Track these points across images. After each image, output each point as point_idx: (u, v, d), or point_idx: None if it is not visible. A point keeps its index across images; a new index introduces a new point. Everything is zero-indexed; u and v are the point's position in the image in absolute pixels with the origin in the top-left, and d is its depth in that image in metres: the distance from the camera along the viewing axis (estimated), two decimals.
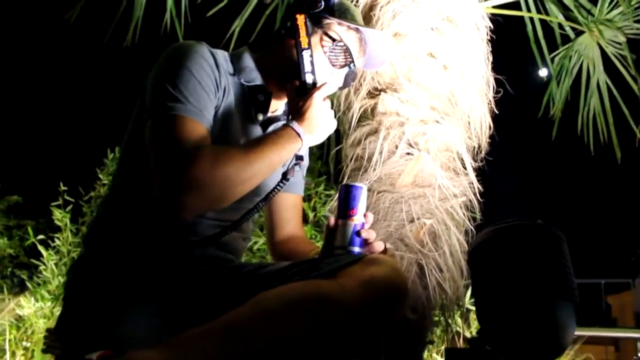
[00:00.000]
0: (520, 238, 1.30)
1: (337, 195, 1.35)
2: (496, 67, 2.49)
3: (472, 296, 1.39)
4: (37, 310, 3.84)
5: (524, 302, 1.26)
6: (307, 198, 3.85)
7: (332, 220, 1.29)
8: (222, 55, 1.36)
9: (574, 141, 3.77)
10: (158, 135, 1.17)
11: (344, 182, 2.22)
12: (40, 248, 4.06)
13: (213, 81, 1.26)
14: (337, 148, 2.36)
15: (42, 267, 4.08)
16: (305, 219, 3.75)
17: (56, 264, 4.01)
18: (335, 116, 2.30)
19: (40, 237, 4.14)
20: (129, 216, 1.24)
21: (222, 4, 3.43)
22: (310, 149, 3.84)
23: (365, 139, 2.27)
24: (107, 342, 1.11)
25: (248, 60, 1.41)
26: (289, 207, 1.61)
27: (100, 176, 4.46)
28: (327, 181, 3.81)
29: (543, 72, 3.75)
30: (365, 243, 1.27)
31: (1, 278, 4.49)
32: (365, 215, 1.29)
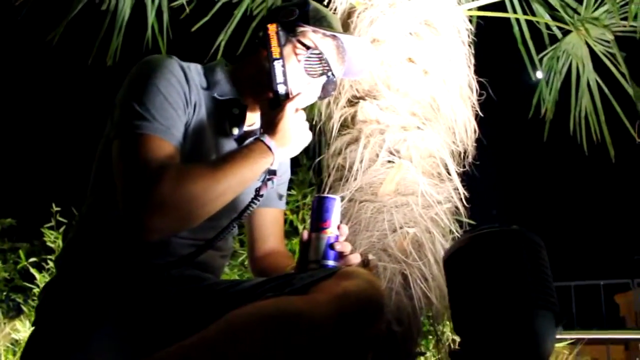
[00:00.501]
0: (496, 245, 1.26)
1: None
2: (484, 70, 2.47)
3: (449, 306, 1.34)
4: None
5: (501, 312, 1.21)
6: (295, 210, 3.82)
7: (305, 234, 1.26)
8: (195, 69, 1.33)
9: (566, 142, 3.73)
10: (123, 154, 1.14)
11: (326, 192, 2.20)
12: (34, 271, 4.03)
13: (182, 97, 1.22)
14: (320, 158, 2.33)
15: (36, 290, 4.05)
16: (295, 232, 3.71)
17: None
18: (316, 126, 2.34)
19: (33, 259, 4.11)
20: (99, 237, 1.22)
21: (206, 19, 3.42)
22: (299, 159, 3.83)
23: (346, 148, 2.24)
24: None
25: (221, 73, 1.38)
26: (269, 222, 1.57)
27: None
28: (318, 191, 3.77)
29: (539, 74, 3.71)
30: (340, 256, 1.24)
31: None
32: (339, 228, 1.25)
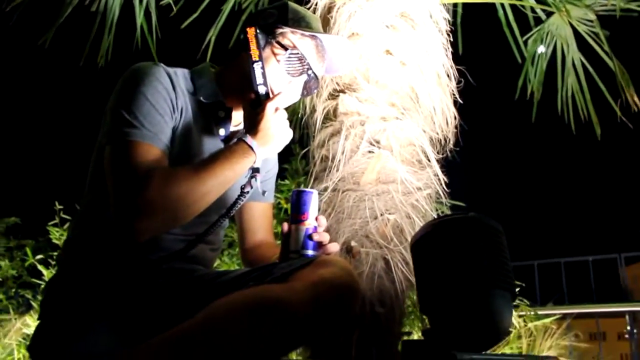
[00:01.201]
0: (456, 231, 1.35)
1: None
2: (470, 56, 2.48)
3: (416, 290, 1.44)
4: None
5: (462, 292, 1.30)
6: (289, 199, 3.87)
7: (285, 226, 1.34)
8: (182, 74, 1.40)
9: (554, 122, 3.78)
10: (114, 160, 1.21)
11: (311, 182, 2.29)
12: (41, 267, 4.14)
13: (169, 103, 1.28)
14: (305, 150, 2.41)
15: (44, 286, 4.16)
16: (285, 213, 3.77)
17: None
18: (301, 119, 2.41)
19: (39, 256, 4.22)
20: (95, 236, 1.29)
21: (195, 15, 3.47)
22: (292, 149, 3.88)
23: (329, 140, 2.30)
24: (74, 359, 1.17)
25: (207, 77, 1.43)
26: (257, 216, 1.65)
27: None
28: (304, 174, 3.82)
29: (541, 49, 3.75)
30: (319, 246, 1.32)
31: (6, 299, 4.59)
32: (317, 219, 1.33)
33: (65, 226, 4.37)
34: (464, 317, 1.31)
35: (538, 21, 3.67)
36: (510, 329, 3.45)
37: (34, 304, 4.28)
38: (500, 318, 1.31)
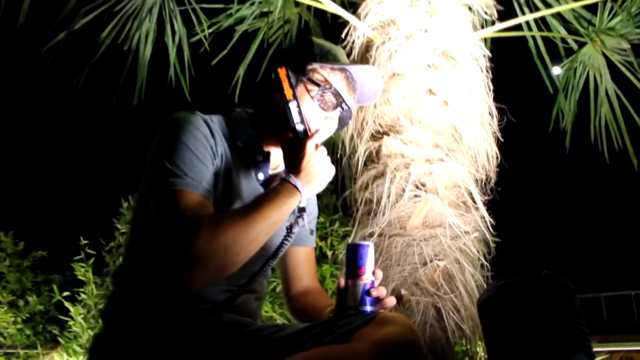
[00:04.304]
0: (530, 292, 1.29)
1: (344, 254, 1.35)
2: (500, 91, 2.47)
3: (487, 354, 1.38)
4: None
5: (538, 359, 1.24)
6: (324, 236, 3.87)
7: (341, 281, 1.30)
8: (217, 121, 1.39)
9: (588, 152, 3.72)
10: (160, 211, 1.20)
11: (355, 227, 2.24)
12: (67, 304, 4.12)
13: (209, 150, 1.28)
14: (347, 193, 2.39)
15: (71, 322, 4.14)
16: (324, 257, 3.74)
17: (84, 318, 4.07)
18: (341, 160, 2.38)
19: (66, 293, 4.20)
20: (142, 290, 1.27)
21: (224, 52, 3.49)
22: None
23: (372, 183, 2.29)
24: None
25: (242, 122, 1.43)
26: (301, 261, 1.61)
27: (118, 225, 4.56)
28: (344, 214, 3.80)
29: (556, 70, 3.71)
30: (377, 301, 1.28)
31: (34, 334, 4.57)
32: (374, 273, 1.29)
33: (91, 261, 4.36)
34: None
35: (569, 52, 3.64)
36: None
37: (61, 340, 4.25)
38: None
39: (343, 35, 2.59)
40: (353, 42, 2.56)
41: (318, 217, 1.82)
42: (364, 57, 2.49)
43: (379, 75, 1.54)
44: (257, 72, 3.49)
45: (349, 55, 2.51)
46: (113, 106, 3.24)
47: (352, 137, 2.43)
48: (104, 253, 4.52)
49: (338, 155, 2.47)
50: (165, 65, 3.36)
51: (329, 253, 3.79)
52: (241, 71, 3.53)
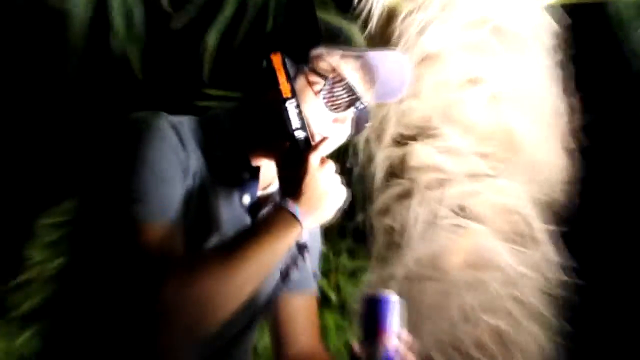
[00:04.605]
0: None
1: (360, 311, 1.16)
2: (578, 78, 2.14)
3: None
4: None
5: None
6: (325, 273, 3.40)
7: (356, 347, 1.12)
8: (190, 125, 1.19)
9: None
10: (112, 252, 1.07)
11: (373, 265, 2.00)
12: None
13: (178, 167, 1.12)
14: (362, 219, 2.11)
15: None
16: (325, 301, 3.31)
17: None
18: (352, 171, 2.12)
19: None
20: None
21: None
22: None
23: (395, 204, 2.03)
24: None
25: (222, 127, 1.25)
26: (299, 312, 1.39)
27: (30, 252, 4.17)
28: (354, 240, 3.32)
29: None
30: None
31: None
32: (399, 336, 1.09)
33: None
34: None
35: None
36: None
37: None
38: None
39: (356, 1, 2.29)
40: (370, 12, 2.23)
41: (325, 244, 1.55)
42: (385, 33, 2.18)
43: (406, 62, 1.33)
44: (232, 42, 2.99)
45: (364, 30, 2.21)
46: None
47: (367, 141, 2.15)
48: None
49: (348, 165, 2.21)
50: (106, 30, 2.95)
51: (333, 297, 3.34)
52: (212, 39, 3.01)
